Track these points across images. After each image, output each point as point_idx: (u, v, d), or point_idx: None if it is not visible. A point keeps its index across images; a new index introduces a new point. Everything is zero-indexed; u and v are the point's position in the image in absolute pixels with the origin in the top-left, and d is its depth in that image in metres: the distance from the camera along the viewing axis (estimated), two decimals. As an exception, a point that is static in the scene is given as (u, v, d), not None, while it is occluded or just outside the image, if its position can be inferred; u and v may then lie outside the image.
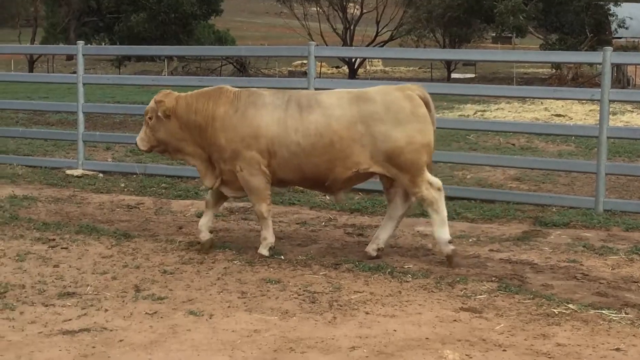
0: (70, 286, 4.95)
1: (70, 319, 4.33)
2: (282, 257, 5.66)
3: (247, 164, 5.57)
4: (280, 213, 7.12)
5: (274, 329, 4.24)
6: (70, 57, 50.17)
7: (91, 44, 10.13)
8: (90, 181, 8.84)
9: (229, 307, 4.60)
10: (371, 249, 5.67)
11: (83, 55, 9.39)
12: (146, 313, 4.46)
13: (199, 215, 7.13)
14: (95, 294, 4.80)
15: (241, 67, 39.18)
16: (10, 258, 5.57)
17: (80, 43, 9.49)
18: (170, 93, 5.82)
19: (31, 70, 44.05)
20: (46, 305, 4.54)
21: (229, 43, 47.17)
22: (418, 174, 5.47)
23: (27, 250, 5.79)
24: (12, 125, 14.50)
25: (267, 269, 5.40)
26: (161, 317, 4.40)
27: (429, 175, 5.49)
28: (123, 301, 4.67)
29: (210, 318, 4.40)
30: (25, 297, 4.68)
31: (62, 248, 5.90)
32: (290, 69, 40.41)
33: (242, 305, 4.63)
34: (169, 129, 5.75)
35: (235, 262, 5.58)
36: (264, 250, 5.71)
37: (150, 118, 5.79)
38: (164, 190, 8.26)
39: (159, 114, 5.72)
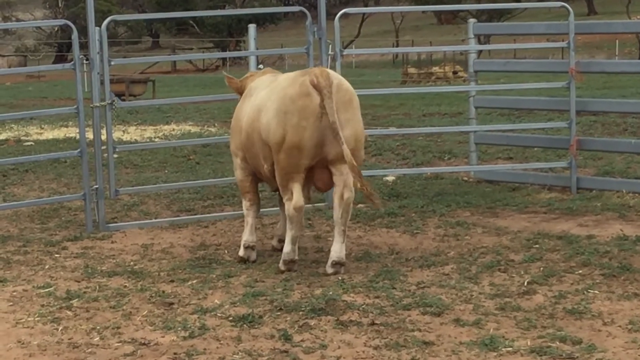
0: None
1: None
2: None
3: (234, 157, 8.08)
4: None
5: None
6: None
7: None
8: None
9: None
10: (328, 267, 7.37)
11: None
12: None
13: None
14: None
15: None
16: (620, 326, 5.92)
17: None
18: None
19: (643, 54, 45.51)
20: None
21: None
22: (286, 177, 7.26)
23: (645, 315, 6.11)
24: (618, 134, 15.28)
25: None
26: None
27: (296, 188, 7.23)
28: None
29: None
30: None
31: None
32: None
33: None
34: None
35: None
36: (240, 251, 7.86)
37: None
38: None
39: None
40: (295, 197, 7.28)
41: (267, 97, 7.50)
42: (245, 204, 8.04)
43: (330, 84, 7.15)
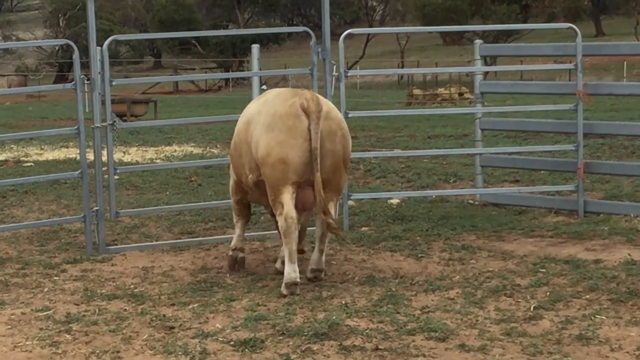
0: None
1: None
2: None
3: (231, 175, 8.43)
4: None
5: None
6: None
7: None
8: None
9: None
10: (307, 271, 7.83)
11: None
12: None
13: None
14: None
15: None
16: (627, 352, 5.92)
17: None
18: None
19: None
20: None
21: None
22: (275, 191, 7.48)
23: (653, 342, 6.08)
24: (626, 157, 15.29)
25: None
26: None
27: (286, 200, 7.41)
28: None
29: None
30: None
31: None
32: None
33: None
34: None
35: None
36: (229, 252, 8.44)
37: None
38: None
39: None
40: (286, 208, 7.47)
41: (256, 111, 7.82)
42: (235, 217, 8.60)
43: (319, 110, 7.38)
